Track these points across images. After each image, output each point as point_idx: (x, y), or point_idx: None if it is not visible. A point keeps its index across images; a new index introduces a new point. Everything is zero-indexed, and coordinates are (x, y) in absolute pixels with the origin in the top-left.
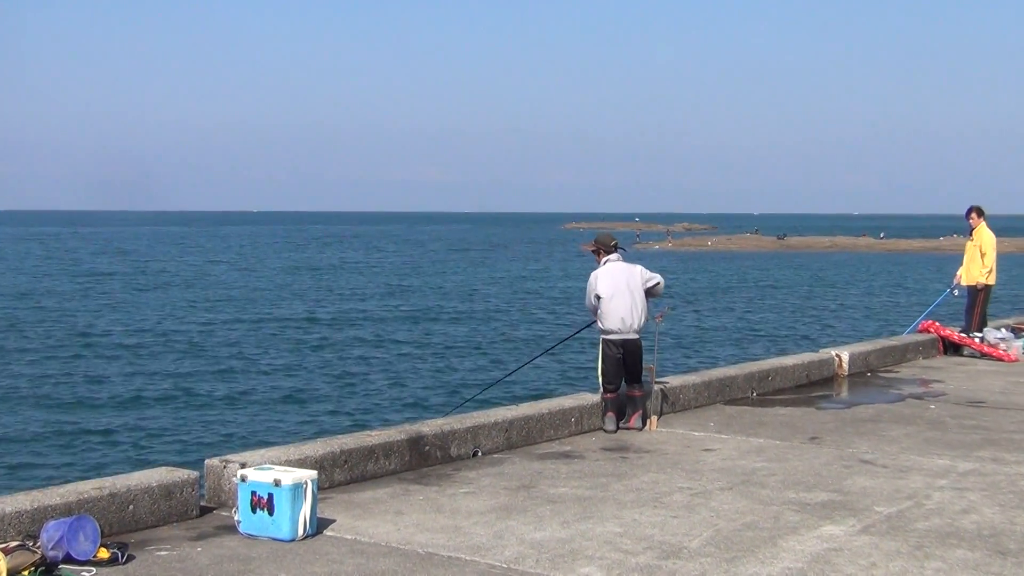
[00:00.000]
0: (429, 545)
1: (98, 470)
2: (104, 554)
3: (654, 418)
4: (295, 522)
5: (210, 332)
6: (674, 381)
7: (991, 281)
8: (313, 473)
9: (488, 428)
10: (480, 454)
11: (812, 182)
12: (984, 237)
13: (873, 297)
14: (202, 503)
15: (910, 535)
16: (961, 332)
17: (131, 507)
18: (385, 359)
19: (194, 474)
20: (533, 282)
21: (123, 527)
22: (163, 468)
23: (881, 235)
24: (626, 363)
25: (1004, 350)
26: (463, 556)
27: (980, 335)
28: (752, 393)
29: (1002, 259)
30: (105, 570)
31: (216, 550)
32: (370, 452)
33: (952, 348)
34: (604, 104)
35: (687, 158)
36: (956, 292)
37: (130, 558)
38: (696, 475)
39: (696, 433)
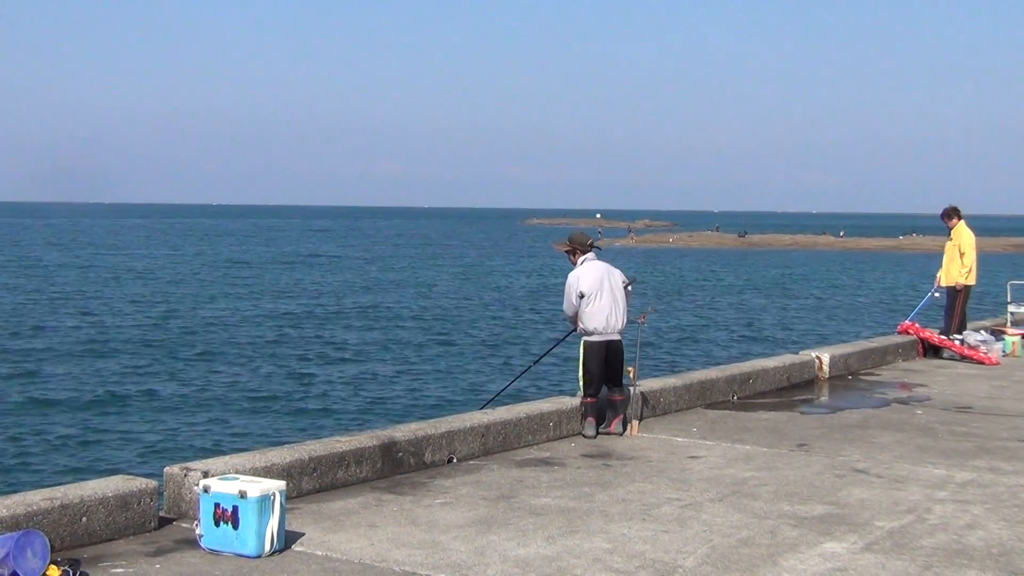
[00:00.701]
0: (406, 563)
1: (48, 479)
2: (54, 572)
3: (635, 423)
4: (262, 537)
5: (166, 331)
6: (654, 384)
7: (971, 281)
8: (281, 484)
9: (463, 433)
10: (455, 460)
11: (771, 180)
12: (963, 236)
13: (842, 295)
14: (161, 513)
15: (916, 553)
16: (940, 334)
17: (84, 519)
18: (352, 361)
19: (153, 483)
20: (502, 277)
21: (75, 541)
22: (119, 477)
23: (841, 233)
24: (608, 366)
25: (985, 353)
26: None
27: (960, 337)
28: (733, 396)
29: (985, 259)
30: None
31: (176, 567)
32: (340, 459)
33: (932, 350)
34: (563, 101)
35: (647, 155)
36: (938, 294)
37: None
38: (684, 485)
39: (679, 439)
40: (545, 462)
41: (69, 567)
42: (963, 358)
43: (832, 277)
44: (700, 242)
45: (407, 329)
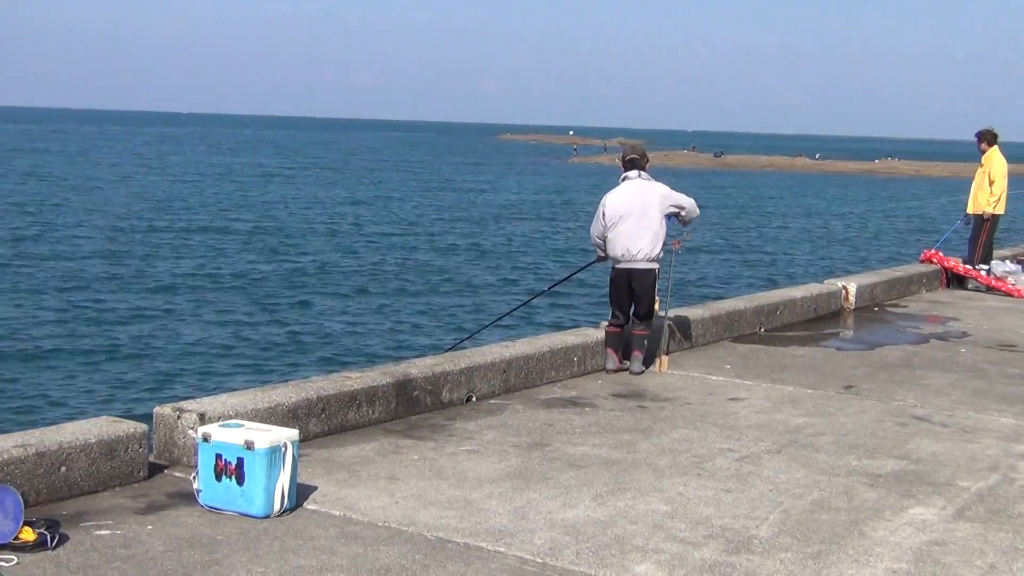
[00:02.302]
0: (438, 526)
1: (22, 424)
2: (29, 535)
3: (664, 358)
4: (271, 495)
5: (145, 255)
6: (681, 315)
7: (999, 211)
8: (293, 433)
9: (484, 369)
10: (475, 399)
11: (744, 100)
12: (995, 163)
13: (820, 220)
14: (150, 458)
15: (1019, 522)
16: (964, 263)
17: (63, 469)
18: (352, 287)
19: (142, 427)
20: (496, 194)
21: (53, 494)
22: (103, 419)
23: (816, 156)
24: (632, 296)
25: (1012, 284)
26: (484, 545)
27: (986, 267)
28: (760, 329)
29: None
30: (30, 557)
31: (171, 529)
32: (351, 398)
33: (956, 280)
34: (536, 15)
35: (620, 73)
36: (968, 222)
37: (62, 539)
38: (733, 432)
39: (714, 377)
40: (573, 402)
41: (46, 529)
42: (989, 289)
43: (809, 203)
44: (676, 161)
45: (407, 252)
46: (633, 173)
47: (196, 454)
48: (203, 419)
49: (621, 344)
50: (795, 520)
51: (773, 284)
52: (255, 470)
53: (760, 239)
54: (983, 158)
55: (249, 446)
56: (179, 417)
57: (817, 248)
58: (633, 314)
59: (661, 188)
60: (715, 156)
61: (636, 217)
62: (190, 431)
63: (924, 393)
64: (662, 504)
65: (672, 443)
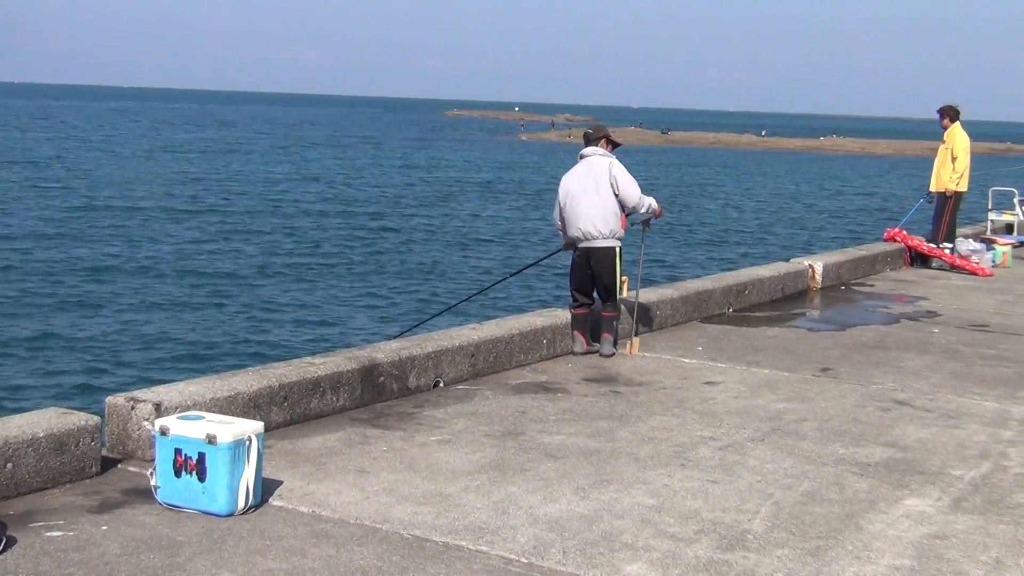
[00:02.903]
0: (414, 523)
1: None
2: None
3: (635, 340)
4: (234, 491)
5: (89, 236)
6: (650, 296)
7: (962, 188)
8: (258, 425)
9: (452, 353)
10: (442, 384)
11: (689, 77)
12: (957, 140)
13: (762, 195)
14: (103, 452)
15: (1019, 513)
16: (928, 241)
17: (9, 465)
18: (306, 268)
19: (93, 419)
20: (451, 171)
21: None
22: (51, 411)
23: (763, 133)
24: (593, 277)
25: (976, 263)
26: (464, 544)
27: (950, 246)
28: (728, 309)
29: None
30: None
31: (128, 529)
32: (314, 385)
33: (920, 259)
34: None
35: (565, 49)
36: (931, 201)
37: (10, 542)
38: (712, 419)
39: (686, 360)
40: (544, 387)
41: None
42: (953, 268)
43: (762, 180)
44: (623, 138)
45: (367, 237)
46: (588, 150)
47: (153, 448)
48: (159, 409)
49: (588, 326)
50: (788, 513)
51: (732, 263)
52: (217, 466)
53: (717, 218)
54: (945, 135)
55: (211, 440)
56: (133, 407)
57: (774, 226)
58: (597, 295)
59: (612, 163)
60: (662, 133)
61: (588, 194)
62: (145, 423)
63: (902, 376)
64: (648, 497)
65: (651, 431)
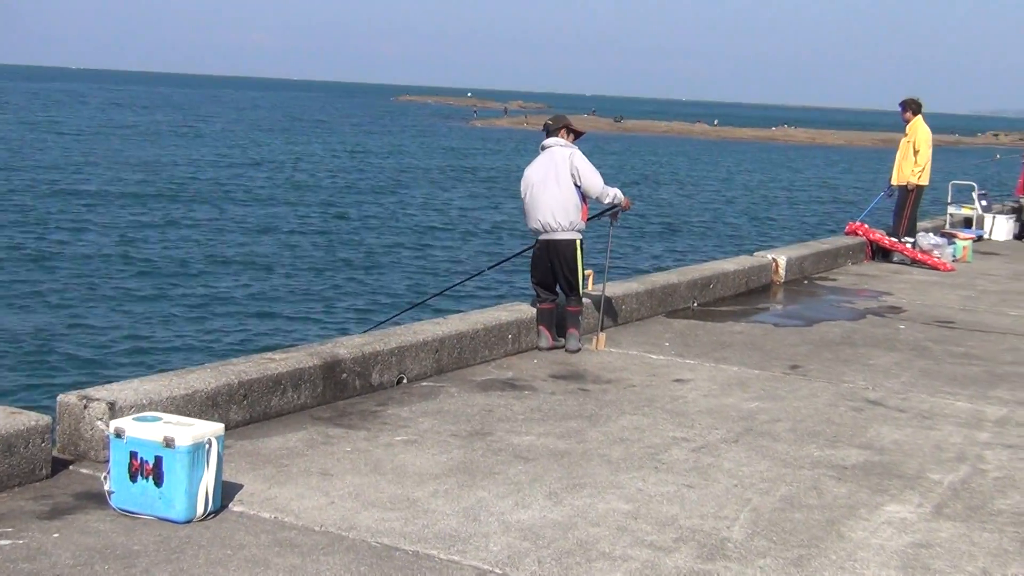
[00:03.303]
0: (381, 531)
1: None
2: None
3: (601, 335)
4: (193, 497)
5: (37, 223)
6: (616, 290)
7: (923, 181)
8: (219, 428)
9: (415, 349)
10: (406, 381)
11: (641, 66)
12: (919, 133)
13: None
14: (53, 452)
15: (1001, 521)
16: (889, 235)
17: None
18: (271, 264)
19: (44, 418)
20: (401, 158)
21: None
22: (0, 410)
23: (715, 122)
24: (555, 270)
25: (938, 257)
26: (435, 553)
27: (911, 240)
28: (693, 303)
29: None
30: None
31: (81, 537)
32: (275, 382)
33: (881, 253)
34: None
35: (517, 35)
36: (892, 194)
37: None
38: (684, 419)
39: (654, 356)
40: (511, 385)
41: None
42: (914, 262)
43: (717, 170)
44: (577, 125)
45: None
46: (549, 141)
47: (107, 449)
48: (113, 408)
49: (553, 321)
50: (768, 520)
51: (684, 254)
52: (175, 470)
53: (672, 207)
54: (907, 128)
55: (169, 443)
56: (86, 406)
57: (727, 216)
58: (560, 290)
59: (573, 154)
60: (615, 121)
61: (547, 185)
62: (99, 422)
63: (872, 374)
64: (622, 502)
65: (622, 431)
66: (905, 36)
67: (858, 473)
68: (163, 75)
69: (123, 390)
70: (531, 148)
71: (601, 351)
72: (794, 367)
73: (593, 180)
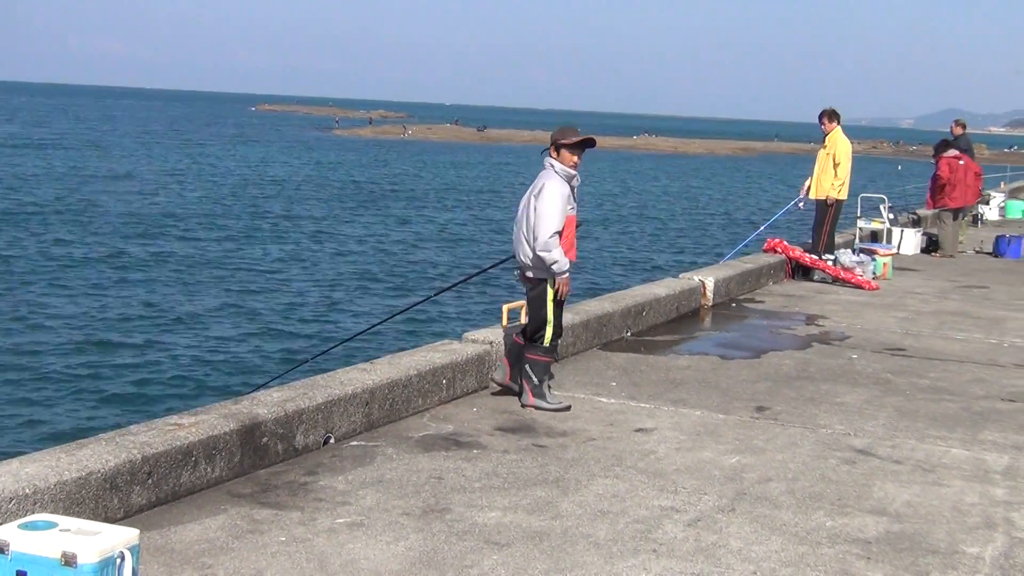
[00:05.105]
0: None
1: None
2: None
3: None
4: None
5: None
6: None
7: (843, 196)
8: (132, 535)
9: (344, 402)
10: (333, 440)
11: (501, 75)
12: (839, 145)
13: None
14: None
15: None
16: (809, 252)
17: None
18: (145, 294)
19: None
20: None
21: None
22: None
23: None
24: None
25: (861, 275)
26: None
27: (832, 257)
28: (627, 332)
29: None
30: None
31: None
32: (185, 454)
33: (801, 271)
34: None
35: (379, 45)
36: (802, 205)
37: None
38: (663, 481)
39: (603, 399)
40: (455, 442)
41: None
42: (835, 280)
43: (593, 182)
44: (440, 135)
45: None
46: (547, 161)
47: None
48: None
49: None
50: None
51: (599, 276)
52: None
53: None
54: (827, 139)
55: (69, 561)
56: None
57: (599, 225)
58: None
59: (545, 183)
60: (479, 130)
61: (520, 214)
62: None
63: (847, 415)
64: None
65: (599, 501)
66: (763, 46)
67: (885, 549)
68: (14, 84)
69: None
70: (409, 160)
71: None
72: (760, 409)
73: (540, 225)
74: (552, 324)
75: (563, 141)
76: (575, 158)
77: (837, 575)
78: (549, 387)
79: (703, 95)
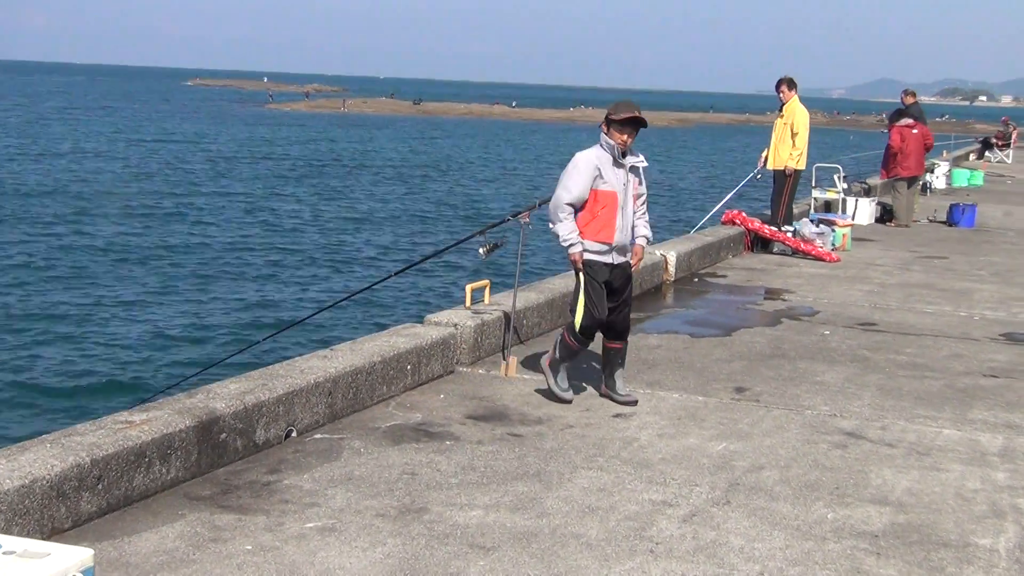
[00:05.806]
0: None
1: None
2: None
3: (512, 360)
4: None
5: None
6: (516, 302)
7: (801, 166)
8: (87, 555)
9: (306, 393)
10: (295, 434)
11: (434, 48)
12: (797, 115)
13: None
14: None
15: None
16: (767, 224)
17: None
18: (82, 279)
19: None
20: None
21: None
22: None
23: (513, 104)
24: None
25: (821, 247)
26: None
27: (791, 228)
28: None
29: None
30: None
31: None
32: (138, 455)
33: (760, 243)
34: None
35: (312, 17)
36: (760, 176)
37: None
38: (650, 472)
39: (575, 381)
40: (425, 432)
41: None
42: (795, 252)
43: (525, 152)
44: (376, 108)
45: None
46: (601, 137)
47: None
48: None
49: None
50: None
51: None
52: None
53: (485, 192)
54: (784, 108)
55: None
56: None
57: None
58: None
59: (577, 155)
60: (414, 104)
61: None
62: None
63: (829, 395)
64: None
65: (584, 495)
66: (692, 16)
67: (894, 543)
68: None
69: None
70: (348, 135)
71: (513, 378)
72: (740, 390)
73: (555, 191)
74: (581, 310)
75: (612, 116)
76: (624, 136)
77: (848, 573)
78: (567, 374)
79: (637, 66)
